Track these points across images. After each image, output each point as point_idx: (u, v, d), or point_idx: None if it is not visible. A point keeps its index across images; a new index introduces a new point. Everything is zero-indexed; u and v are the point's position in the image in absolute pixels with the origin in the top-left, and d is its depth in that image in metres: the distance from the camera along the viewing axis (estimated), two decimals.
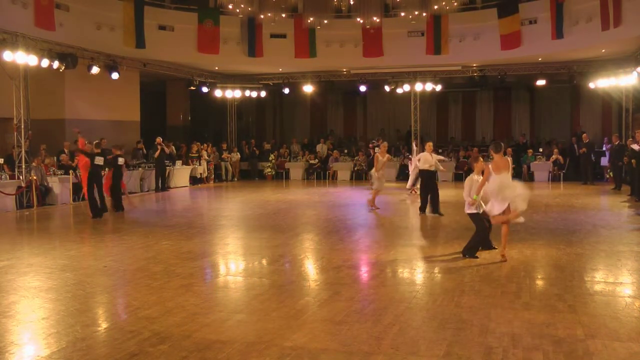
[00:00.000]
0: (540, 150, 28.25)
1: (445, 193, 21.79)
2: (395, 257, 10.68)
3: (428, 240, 12.44)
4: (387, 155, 18.11)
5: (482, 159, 11.02)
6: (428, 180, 16.59)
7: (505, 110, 32.67)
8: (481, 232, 10.48)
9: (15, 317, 7.22)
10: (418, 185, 21.11)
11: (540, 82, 26.71)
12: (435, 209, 16.16)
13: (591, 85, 26.06)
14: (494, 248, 10.69)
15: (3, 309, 7.52)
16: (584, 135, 25.66)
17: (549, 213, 16.27)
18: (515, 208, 9.91)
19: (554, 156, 26.55)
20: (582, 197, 20.04)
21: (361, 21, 24.07)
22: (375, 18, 23.74)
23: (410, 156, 22.35)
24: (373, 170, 17.76)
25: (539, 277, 9.27)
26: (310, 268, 10.06)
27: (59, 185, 19.54)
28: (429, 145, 17.12)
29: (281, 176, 30.29)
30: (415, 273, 9.54)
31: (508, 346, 6.02)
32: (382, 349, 5.99)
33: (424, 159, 16.52)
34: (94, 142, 17.06)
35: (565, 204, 18.39)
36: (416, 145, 23.78)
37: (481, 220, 10.44)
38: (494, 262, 9.96)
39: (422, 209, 16.48)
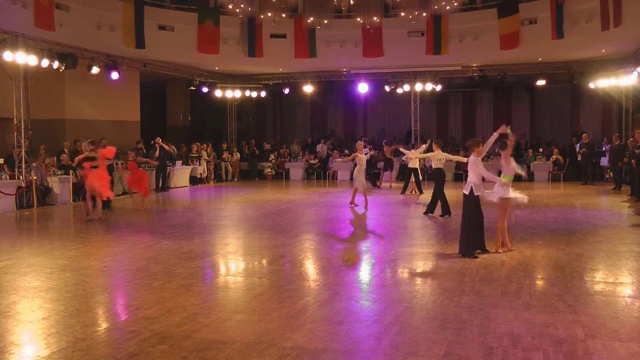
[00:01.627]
0: (540, 150, 28.25)
1: (446, 193, 21.82)
2: (395, 257, 10.68)
3: (428, 240, 12.43)
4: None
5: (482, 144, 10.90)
6: (440, 181, 16.32)
7: (506, 110, 32.63)
8: (467, 224, 10.48)
9: (15, 317, 7.22)
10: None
11: (540, 82, 26.71)
12: (446, 210, 15.85)
13: (591, 85, 26.07)
14: (487, 251, 10.62)
15: (3, 309, 7.53)
16: (584, 135, 25.66)
17: (549, 213, 16.26)
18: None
19: (554, 156, 26.56)
20: (582, 197, 20.04)
21: (361, 21, 24.09)
22: (375, 18, 23.76)
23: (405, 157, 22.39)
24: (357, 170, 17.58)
25: (539, 277, 9.26)
26: (310, 268, 10.06)
27: (59, 186, 19.55)
28: (436, 142, 16.86)
29: (281, 176, 30.31)
30: (415, 273, 9.53)
31: (508, 346, 6.02)
32: (382, 348, 5.99)
33: (435, 157, 16.35)
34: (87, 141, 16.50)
35: (565, 204, 18.39)
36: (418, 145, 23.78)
37: (475, 211, 10.43)
38: (494, 262, 9.96)
39: (432, 209, 16.10)
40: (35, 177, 18.60)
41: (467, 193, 10.44)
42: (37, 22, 18.58)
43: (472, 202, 10.43)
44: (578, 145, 26.13)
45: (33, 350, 6.13)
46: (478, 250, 10.53)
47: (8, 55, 17.77)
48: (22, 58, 18.11)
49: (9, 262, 10.59)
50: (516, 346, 6.03)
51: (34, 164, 19.07)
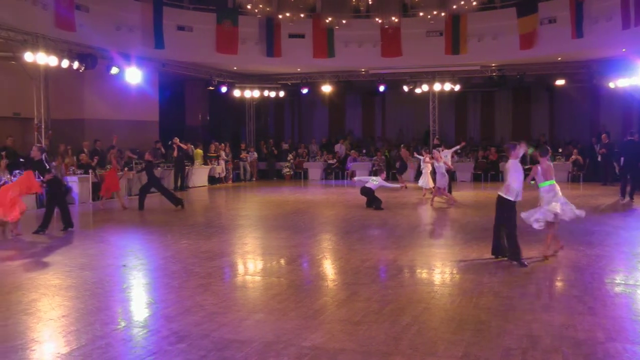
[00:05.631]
0: (560, 150, 28.03)
1: (463, 194, 21.73)
2: (414, 257, 10.65)
3: (447, 241, 12.39)
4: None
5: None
6: None
7: (524, 110, 32.45)
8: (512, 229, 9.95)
9: (36, 315, 7.28)
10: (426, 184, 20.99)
11: (560, 82, 26.52)
12: None
13: (611, 85, 25.81)
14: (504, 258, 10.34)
15: (24, 307, 7.60)
16: (604, 135, 25.38)
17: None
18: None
19: (573, 156, 26.35)
20: (601, 198, 19.86)
21: (380, 21, 24.07)
22: (393, 18, 23.72)
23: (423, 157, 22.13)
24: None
25: (558, 278, 9.20)
26: (329, 268, 10.06)
27: (79, 185, 19.70)
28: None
29: (299, 176, 30.34)
30: (433, 273, 9.51)
31: (527, 348, 5.99)
32: (400, 349, 5.98)
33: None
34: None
35: (584, 204, 18.17)
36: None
37: (515, 217, 9.95)
38: (512, 263, 9.88)
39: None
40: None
41: (512, 199, 9.78)
42: (57, 23, 18.78)
43: (514, 208, 9.88)
44: (598, 145, 25.89)
45: (53, 348, 6.18)
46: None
47: (29, 56, 17.95)
48: (43, 59, 18.29)
49: (29, 260, 10.71)
50: (535, 348, 5.99)
51: (53, 163, 19.19)
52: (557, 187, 10.23)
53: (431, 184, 20.21)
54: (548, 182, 10.24)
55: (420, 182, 21.05)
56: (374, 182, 18.17)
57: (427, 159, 20.61)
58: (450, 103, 32.13)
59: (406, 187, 23.87)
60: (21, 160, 17.90)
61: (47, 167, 13.96)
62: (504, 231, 10.04)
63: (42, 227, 13.67)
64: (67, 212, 14.21)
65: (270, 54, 25.26)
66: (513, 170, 9.86)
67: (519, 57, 24.34)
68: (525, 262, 9.74)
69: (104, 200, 18.92)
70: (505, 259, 10.05)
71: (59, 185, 14.60)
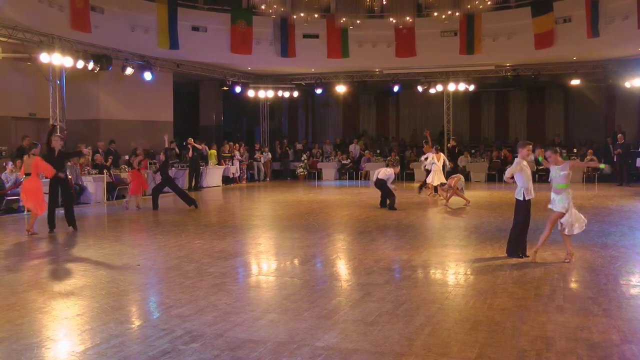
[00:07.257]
0: (575, 150, 27.87)
1: (479, 194, 21.64)
2: (428, 257, 10.62)
3: (460, 241, 12.34)
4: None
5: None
6: None
7: (539, 110, 32.35)
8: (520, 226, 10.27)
9: (50, 314, 7.33)
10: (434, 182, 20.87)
11: (575, 82, 26.40)
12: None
13: (627, 84, 25.66)
14: (527, 256, 10.36)
15: (40, 305, 7.65)
16: (620, 136, 25.26)
17: (583, 215, 15.98)
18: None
19: (588, 157, 26.19)
20: (617, 199, 19.73)
21: (394, 21, 24.03)
22: (408, 18, 23.68)
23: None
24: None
25: (573, 279, 9.13)
26: (342, 268, 10.04)
27: (93, 185, 19.82)
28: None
29: (313, 176, 30.35)
30: (447, 274, 9.48)
31: (541, 349, 5.95)
32: (414, 350, 5.97)
33: None
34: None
35: (600, 205, 18.11)
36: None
37: (526, 216, 10.20)
38: (527, 264, 9.84)
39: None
40: (70, 177, 18.85)
41: (520, 199, 10.11)
42: (73, 24, 18.90)
43: (524, 208, 10.17)
44: (613, 145, 25.74)
45: (68, 346, 6.22)
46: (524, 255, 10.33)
47: (45, 57, 18.08)
48: (58, 59, 18.42)
49: (44, 259, 10.78)
50: (549, 350, 5.95)
51: (68, 163, 19.31)
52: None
53: (436, 182, 20.29)
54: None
55: (431, 180, 21.04)
56: (386, 171, 18.05)
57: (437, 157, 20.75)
58: (464, 103, 32.10)
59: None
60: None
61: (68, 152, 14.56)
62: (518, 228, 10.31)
63: (50, 227, 13.77)
64: (71, 211, 14.22)
65: (285, 54, 25.31)
66: (526, 171, 10.02)
67: (534, 56, 24.26)
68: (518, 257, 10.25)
69: (131, 198, 18.87)
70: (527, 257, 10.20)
71: (59, 184, 14.58)
